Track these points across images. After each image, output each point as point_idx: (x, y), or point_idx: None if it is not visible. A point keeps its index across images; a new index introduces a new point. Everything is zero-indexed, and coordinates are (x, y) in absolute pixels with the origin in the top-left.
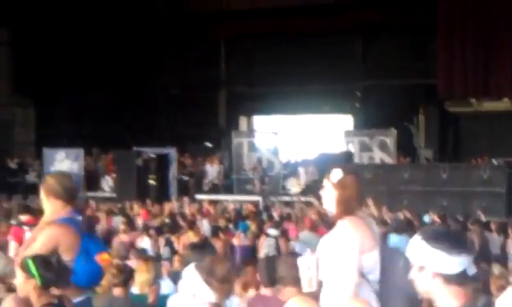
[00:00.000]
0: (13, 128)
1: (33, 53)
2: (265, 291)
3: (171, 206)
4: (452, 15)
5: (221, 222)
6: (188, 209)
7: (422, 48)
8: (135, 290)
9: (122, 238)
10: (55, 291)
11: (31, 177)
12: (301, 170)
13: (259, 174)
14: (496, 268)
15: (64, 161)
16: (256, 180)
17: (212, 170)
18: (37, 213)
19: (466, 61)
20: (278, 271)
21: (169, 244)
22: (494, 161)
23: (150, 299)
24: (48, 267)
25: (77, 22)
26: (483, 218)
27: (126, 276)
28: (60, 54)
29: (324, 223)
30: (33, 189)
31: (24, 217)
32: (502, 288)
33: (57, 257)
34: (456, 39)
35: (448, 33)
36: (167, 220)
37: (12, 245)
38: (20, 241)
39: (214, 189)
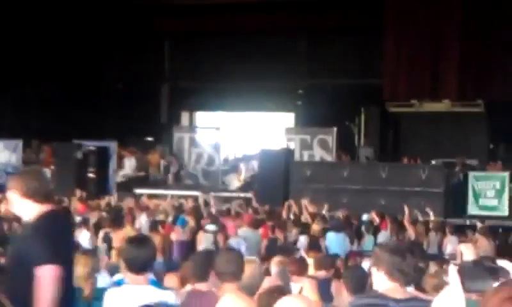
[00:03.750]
0: None
1: None
2: (201, 286)
3: (108, 200)
4: (399, 16)
5: (160, 217)
6: (127, 203)
7: (365, 49)
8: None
9: None
10: None
11: None
12: (241, 166)
13: (175, 168)
14: (432, 267)
15: (2, 152)
16: (170, 174)
17: (130, 163)
18: None
19: (412, 63)
20: (216, 266)
21: (107, 238)
22: (433, 161)
23: (86, 292)
24: None
25: (22, 12)
26: (420, 217)
27: None
28: (1, 44)
29: (263, 219)
30: None
31: None
32: (436, 287)
33: None
34: (402, 40)
35: (394, 34)
36: (104, 214)
37: None
38: None
39: (154, 184)
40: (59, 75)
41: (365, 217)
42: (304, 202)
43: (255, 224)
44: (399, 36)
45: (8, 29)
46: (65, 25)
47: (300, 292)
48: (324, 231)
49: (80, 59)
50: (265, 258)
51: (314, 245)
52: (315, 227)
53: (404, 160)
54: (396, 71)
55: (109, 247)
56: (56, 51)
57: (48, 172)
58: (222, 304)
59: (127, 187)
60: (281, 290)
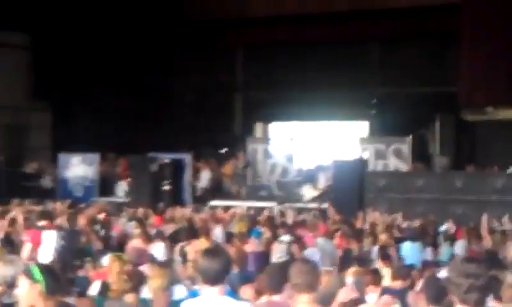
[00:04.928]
0: (29, 132)
1: (51, 58)
2: (276, 297)
3: (184, 212)
4: (475, 23)
5: (235, 229)
6: (201, 215)
7: (439, 56)
8: (148, 295)
9: (136, 243)
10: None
11: (45, 182)
12: (317, 176)
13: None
14: (509, 277)
15: (79, 166)
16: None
17: (205, 176)
18: (54, 218)
19: (487, 69)
20: (291, 277)
21: (183, 250)
22: (509, 170)
23: (161, 305)
24: (52, 274)
25: (96, 28)
26: (497, 226)
27: (137, 282)
28: (78, 60)
29: (338, 230)
30: (48, 194)
31: (42, 222)
32: None
33: (61, 266)
34: (478, 47)
35: (469, 40)
36: (179, 227)
37: (27, 247)
38: (36, 244)
39: (229, 196)
40: (133, 89)
41: (442, 226)
42: (381, 210)
43: (330, 235)
44: (474, 42)
45: (81, 45)
46: (139, 38)
47: (379, 300)
48: (397, 241)
49: (154, 72)
50: (340, 268)
51: (384, 255)
52: (383, 237)
53: (467, 169)
54: (471, 77)
55: (185, 260)
56: (130, 64)
57: (124, 185)
58: None
59: (201, 198)
60: (358, 302)
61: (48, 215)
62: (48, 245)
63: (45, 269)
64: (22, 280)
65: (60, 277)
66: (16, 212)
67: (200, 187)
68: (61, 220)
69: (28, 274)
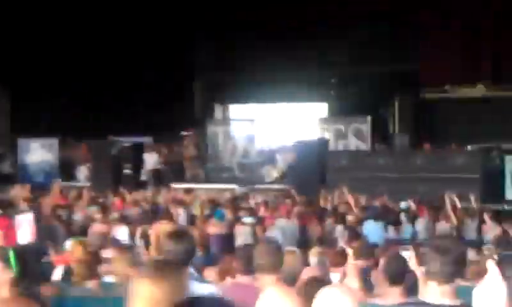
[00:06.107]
0: None
1: (8, 40)
2: (241, 279)
3: (144, 195)
4: (434, 2)
5: (197, 211)
6: (163, 198)
7: (397, 36)
8: (111, 279)
9: (98, 227)
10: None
11: (5, 167)
12: (278, 157)
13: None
14: (471, 254)
15: (39, 151)
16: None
17: (150, 159)
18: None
19: (445, 47)
20: (255, 259)
21: (145, 233)
22: (468, 147)
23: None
24: (24, 260)
25: (53, 11)
26: (458, 204)
27: (97, 266)
28: (36, 43)
29: (299, 210)
30: (8, 180)
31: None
32: (477, 275)
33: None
34: (438, 25)
35: (429, 19)
36: (141, 210)
37: None
38: (3, 230)
39: (190, 178)
40: (91, 73)
41: (403, 204)
42: (344, 189)
43: (291, 215)
44: (434, 20)
45: (39, 27)
46: (94, 25)
47: (342, 278)
48: (361, 221)
49: (112, 55)
50: (301, 248)
51: (354, 235)
52: (350, 217)
53: (426, 147)
54: (430, 56)
55: (147, 243)
56: (90, 49)
57: (84, 169)
58: (265, 297)
59: (162, 182)
60: (322, 280)
61: (9, 203)
62: (26, 228)
63: (20, 254)
64: None
65: (31, 264)
66: None
67: (146, 170)
68: (23, 206)
69: (3, 257)
